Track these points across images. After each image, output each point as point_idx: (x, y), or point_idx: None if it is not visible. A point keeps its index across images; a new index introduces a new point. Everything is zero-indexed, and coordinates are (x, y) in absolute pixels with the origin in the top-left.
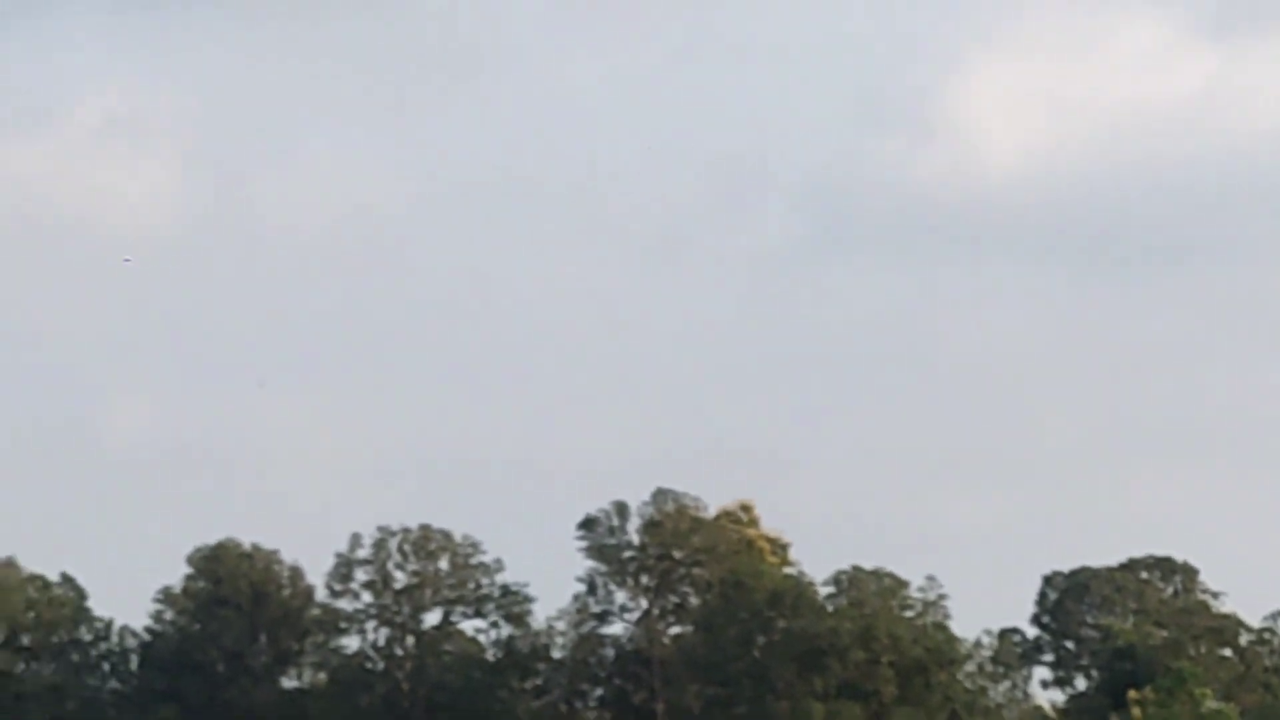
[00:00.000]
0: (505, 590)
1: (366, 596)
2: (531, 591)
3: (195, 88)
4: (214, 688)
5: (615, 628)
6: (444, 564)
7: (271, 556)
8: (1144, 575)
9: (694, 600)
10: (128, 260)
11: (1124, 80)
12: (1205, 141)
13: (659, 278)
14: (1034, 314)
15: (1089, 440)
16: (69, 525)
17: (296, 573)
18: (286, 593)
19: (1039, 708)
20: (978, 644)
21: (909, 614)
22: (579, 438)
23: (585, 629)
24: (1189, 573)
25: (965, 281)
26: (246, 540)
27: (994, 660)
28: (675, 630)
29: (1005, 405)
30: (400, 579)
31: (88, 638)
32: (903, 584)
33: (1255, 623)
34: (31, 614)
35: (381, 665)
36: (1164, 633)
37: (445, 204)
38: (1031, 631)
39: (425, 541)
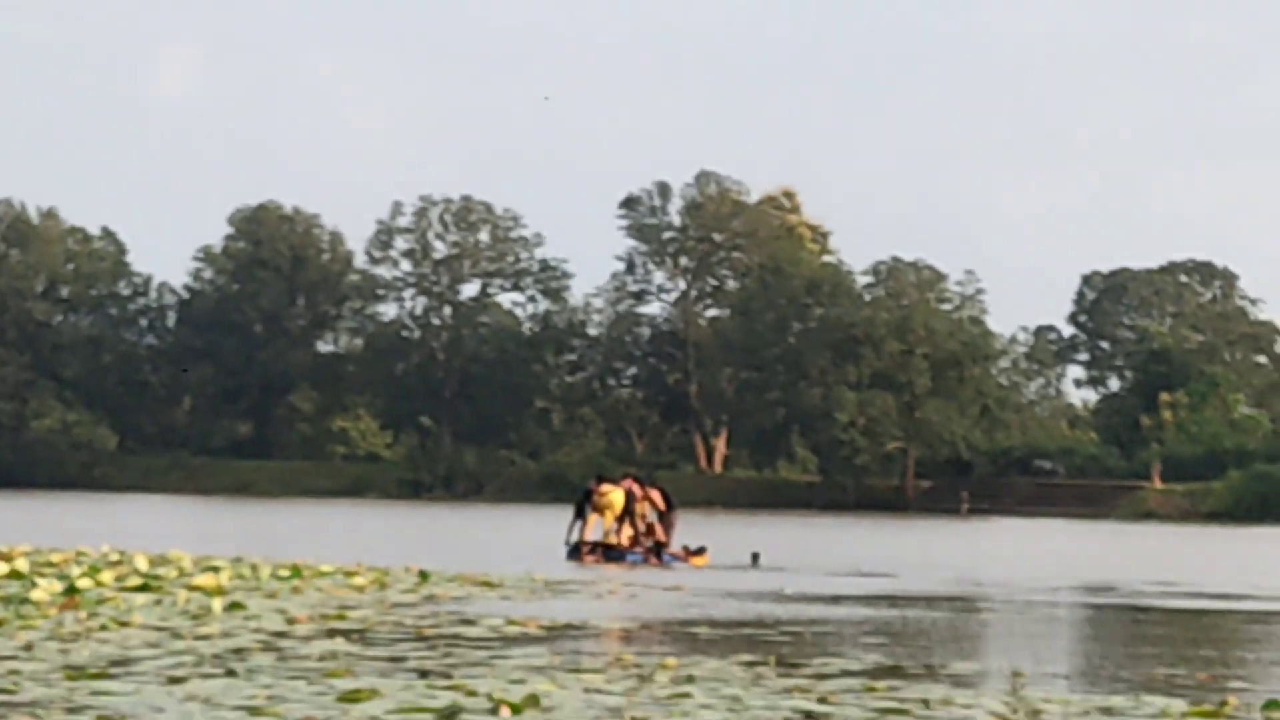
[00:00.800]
0: (544, 265)
1: (405, 265)
2: (570, 268)
3: None
4: (250, 348)
5: (652, 308)
6: (484, 236)
7: (312, 220)
8: (1183, 278)
9: (732, 284)
10: None
11: None
12: None
13: None
14: (1087, 6)
15: (1135, 139)
16: (111, 179)
17: (336, 238)
18: (326, 257)
19: (1071, 406)
20: (1013, 340)
21: (946, 307)
22: (624, 116)
23: (622, 307)
24: (1228, 278)
25: None
26: (288, 203)
27: (1028, 357)
28: (712, 313)
29: (1054, 99)
30: (440, 249)
31: (126, 292)
32: (941, 277)
33: None
34: (71, 266)
35: (418, 334)
36: (1200, 337)
37: None
38: (1067, 330)
39: (466, 213)
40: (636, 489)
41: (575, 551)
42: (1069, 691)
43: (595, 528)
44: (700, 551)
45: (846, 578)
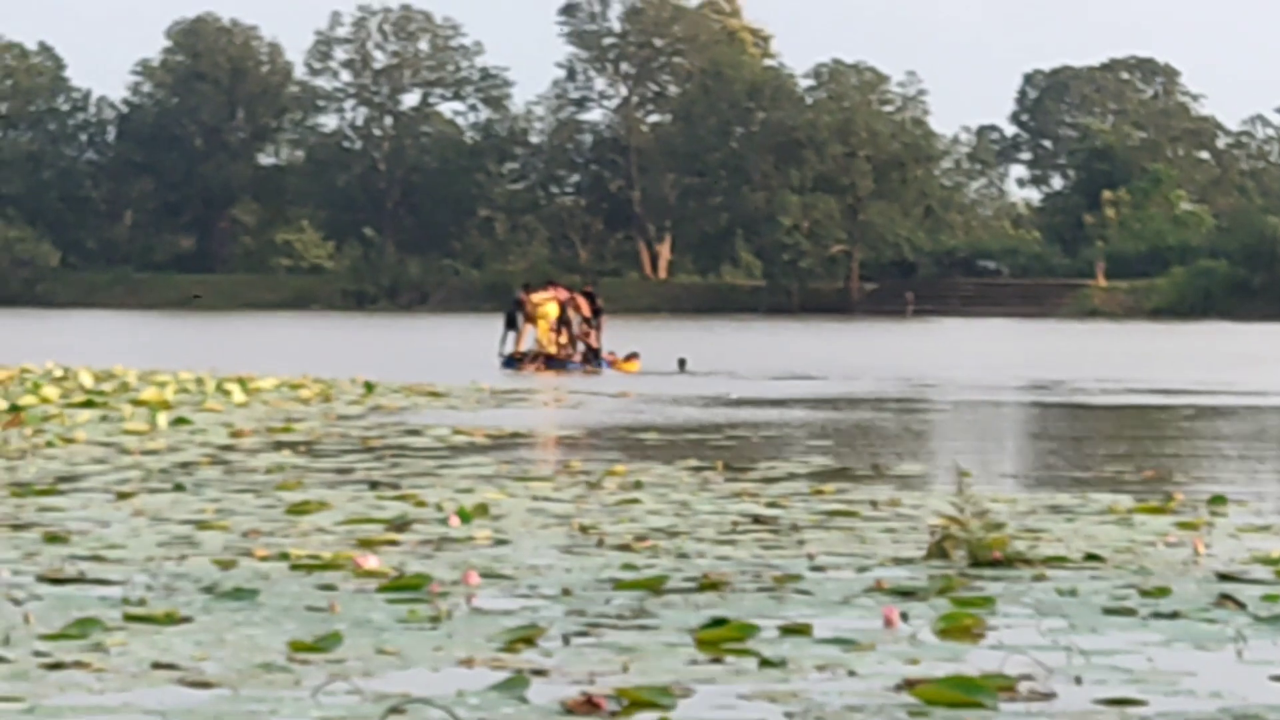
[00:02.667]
0: (484, 73)
1: (345, 76)
2: (511, 76)
3: None
4: (191, 162)
5: (594, 115)
6: (424, 45)
7: (250, 32)
8: (1124, 76)
9: (674, 90)
10: None
11: None
12: None
13: None
14: None
15: None
16: None
17: (275, 49)
18: (265, 69)
19: (1014, 205)
20: (955, 140)
21: (888, 109)
22: None
23: (564, 115)
24: (1170, 74)
25: None
26: (225, 15)
27: (971, 157)
28: (654, 119)
29: None
30: (379, 59)
31: (65, 108)
32: (883, 78)
33: (1234, 126)
34: (9, 82)
35: (359, 145)
36: (1142, 134)
37: None
38: (1010, 129)
39: (406, 22)
40: (565, 295)
41: (510, 362)
42: (1016, 490)
43: (528, 337)
44: (632, 357)
45: (787, 381)
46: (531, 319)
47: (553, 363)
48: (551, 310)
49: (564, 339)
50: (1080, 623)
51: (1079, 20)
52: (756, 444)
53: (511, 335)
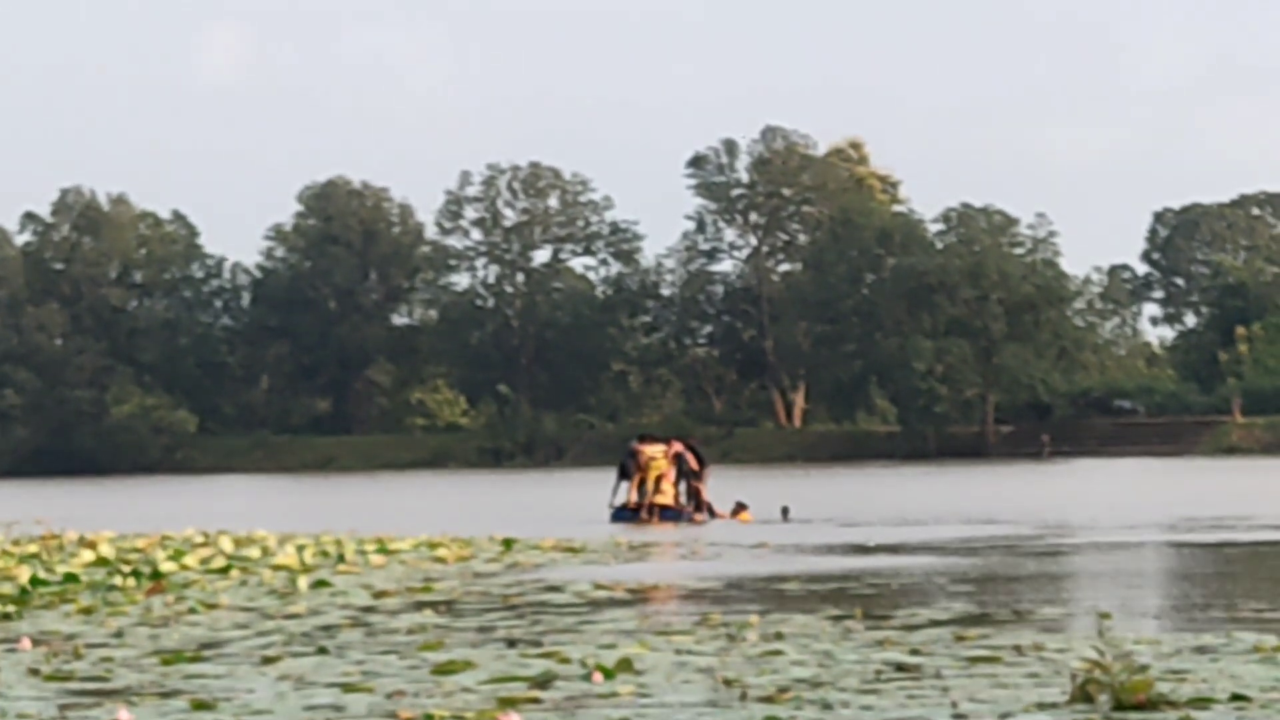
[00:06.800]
0: (614, 228)
1: (476, 234)
2: (641, 229)
3: None
4: (325, 324)
5: (724, 265)
6: (553, 201)
7: (381, 194)
8: (1255, 211)
9: (803, 238)
10: None
11: None
12: None
13: None
14: None
15: (1201, 74)
16: (179, 162)
17: (406, 210)
18: (396, 230)
19: (1148, 344)
20: (1087, 281)
21: (1018, 251)
22: (686, 74)
23: (694, 267)
24: None
25: None
26: (356, 178)
27: (1103, 297)
28: (784, 268)
29: (1117, 37)
30: (510, 216)
31: (200, 275)
32: (1012, 221)
33: None
34: (143, 251)
35: (491, 302)
36: (1275, 269)
37: None
38: (1141, 268)
39: (535, 179)
40: (679, 448)
41: (621, 513)
42: (1159, 631)
43: (639, 489)
44: (740, 508)
45: (907, 527)
46: (643, 470)
47: (667, 514)
48: (660, 463)
49: (680, 490)
50: None
51: (1207, 157)
52: (896, 591)
53: (624, 486)
